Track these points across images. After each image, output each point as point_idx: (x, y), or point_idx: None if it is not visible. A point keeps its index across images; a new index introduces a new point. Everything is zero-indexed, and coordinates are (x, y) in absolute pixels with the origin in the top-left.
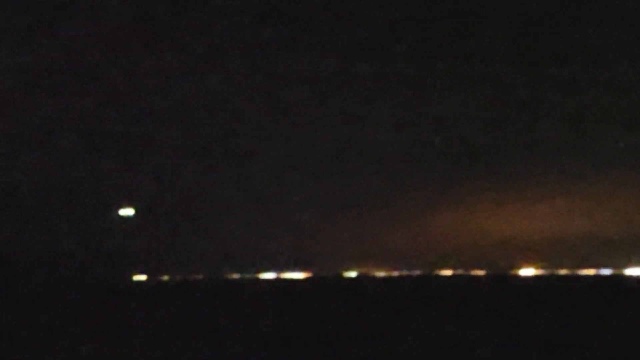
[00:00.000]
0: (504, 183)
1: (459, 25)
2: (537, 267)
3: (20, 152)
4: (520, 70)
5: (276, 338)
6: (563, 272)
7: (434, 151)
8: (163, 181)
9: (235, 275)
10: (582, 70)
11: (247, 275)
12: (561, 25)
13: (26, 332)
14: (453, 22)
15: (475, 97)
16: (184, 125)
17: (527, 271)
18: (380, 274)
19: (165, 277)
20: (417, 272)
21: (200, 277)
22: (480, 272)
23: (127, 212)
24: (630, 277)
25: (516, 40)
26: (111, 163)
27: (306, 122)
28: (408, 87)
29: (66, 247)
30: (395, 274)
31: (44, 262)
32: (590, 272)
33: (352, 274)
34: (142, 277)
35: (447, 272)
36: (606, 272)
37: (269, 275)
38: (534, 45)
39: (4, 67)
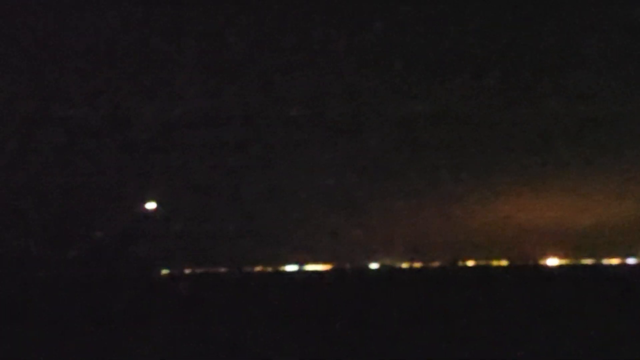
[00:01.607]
0: (526, 171)
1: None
2: (561, 257)
3: (41, 146)
4: (525, 55)
5: (297, 331)
6: (588, 261)
7: (455, 140)
8: (185, 174)
9: (258, 268)
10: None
11: (269, 268)
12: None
13: (49, 329)
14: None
15: (486, 84)
16: (208, 118)
17: (551, 261)
18: (402, 265)
19: (188, 271)
20: (438, 263)
21: (223, 270)
22: (503, 263)
23: (151, 205)
24: None
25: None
26: (134, 157)
27: (323, 119)
28: (416, 74)
29: (90, 242)
30: (417, 265)
31: (65, 258)
32: (615, 261)
33: (374, 265)
34: (166, 271)
35: (470, 263)
36: (631, 261)
37: (292, 268)
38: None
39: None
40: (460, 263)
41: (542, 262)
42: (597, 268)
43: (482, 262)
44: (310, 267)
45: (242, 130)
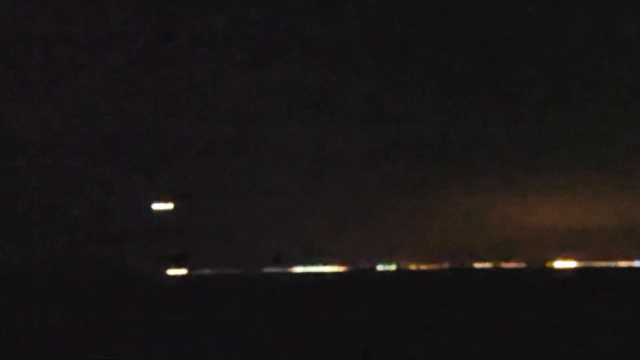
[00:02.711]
0: (538, 172)
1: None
2: (573, 260)
3: (50, 145)
4: (533, 56)
5: (308, 333)
6: (599, 264)
7: (468, 140)
8: (196, 175)
9: (268, 270)
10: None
11: (279, 270)
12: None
13: (57, 329)
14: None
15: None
16: (217, 119)
17: (563, 264)
18: (413, 267)
19: (198, 272)
20: (449, 265)
21: (234, 272)
22: (514, 265)
23: (160, 206)
24: None
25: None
26: (145, 157)
27: (333, 117)
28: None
29: (98, 242)
30: (426, 267)
31: (73, 258)
32: (625, 264)
33: (386, 267)
34: (175, 272)
35: (480, 265)
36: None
37: (300, 269)
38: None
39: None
40: (467, 265)
41: (553, 264)
42: (609, 271)
43: (491, 265)
44: (316, 269)
45: (254, 131)
